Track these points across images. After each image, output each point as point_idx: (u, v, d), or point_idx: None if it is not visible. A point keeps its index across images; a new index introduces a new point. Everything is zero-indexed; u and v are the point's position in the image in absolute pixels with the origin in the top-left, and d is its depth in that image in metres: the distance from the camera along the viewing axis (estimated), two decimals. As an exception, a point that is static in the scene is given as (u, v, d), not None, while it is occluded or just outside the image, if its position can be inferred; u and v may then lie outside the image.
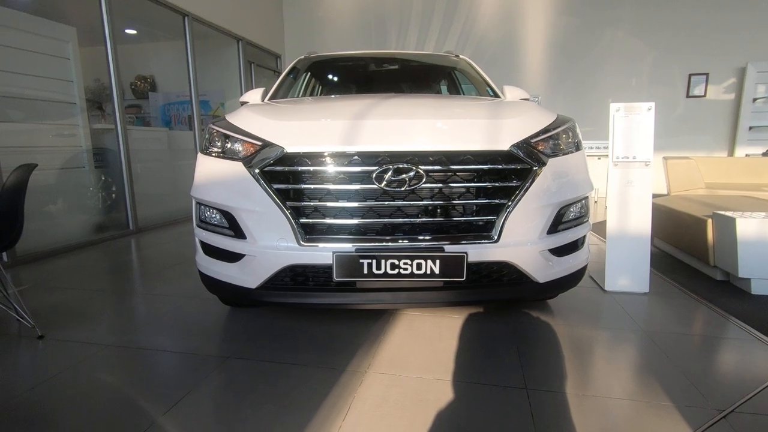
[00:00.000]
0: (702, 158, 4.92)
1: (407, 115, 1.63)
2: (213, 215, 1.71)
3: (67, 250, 3.72)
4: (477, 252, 1.52)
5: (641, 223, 2.56)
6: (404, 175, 1.48)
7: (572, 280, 1.75)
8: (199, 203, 1.77)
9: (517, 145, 1.56)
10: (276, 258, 1.55)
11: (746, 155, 6.57)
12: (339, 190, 1.52)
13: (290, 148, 1.52)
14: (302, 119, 1.66)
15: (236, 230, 1.62)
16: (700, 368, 1.72)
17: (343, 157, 1.51)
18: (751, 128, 6.49)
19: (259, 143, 1.59)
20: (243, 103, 2.92)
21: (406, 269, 1.50)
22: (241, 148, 1.66)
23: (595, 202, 6.44)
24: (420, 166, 1.49)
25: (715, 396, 1.53)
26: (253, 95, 2.89)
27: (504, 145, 1.55)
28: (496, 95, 2.82)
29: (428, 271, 1.51)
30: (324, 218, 1.54)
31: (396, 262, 1.50)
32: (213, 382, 1.64)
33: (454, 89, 3.74)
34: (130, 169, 4.49)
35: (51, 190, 3.87)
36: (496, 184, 1.54)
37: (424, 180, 1.49)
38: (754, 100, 6.43)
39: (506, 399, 1.49)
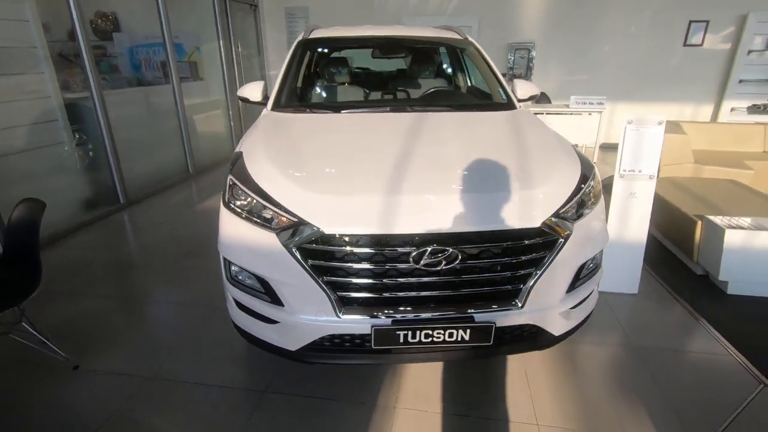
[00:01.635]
0: (691, 125, 4.99)
1: (443, 188, 1.62)
2: (248, 280, 1.73)
3: (59, 237, 3.63)
4: (503, 319, 1.64)
5: (639, 231, 2.70)
6: (440, 256, 1.53)
7: (584, 323, 1.91)
8: (229, 262, 1.78)
9: (548, 221, 1.60)
10: (315, 328, 1.62)
11: (731, 109, 6.67)
12: (377, 267, 1.56)
13: (328, 230, 1.53)
14: (336, 192, 1.61)
15: (273, 297, 1.67)
16: (687, 398, 1.98)
17: (381, 239, 1.53)
18: (741, 81, 6.50)
19: (295, 219, 1.57)
20: (242, 99, 2.76)
21: (438, 338, 1.62)
22: (271, 216, 1.64)
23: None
24: (455, 246, 1.53)
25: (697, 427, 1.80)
26: (253, 91, 2.73)
27: (536, 221, 1.59)
28: (504, 91, 2.74)
29: (459, 339, 1.63)
30: (361, 293, 1.60)
31: (429, 332, 1.61)
32: (260, 422, 1.80)
33: (460, 72, 3.58)
34: (110, 127, 4.15)
35: (26, 165, 3.62)
36: (524, 257, 1.61)
37: (459, 259, 1.54)
38: (749, 52, 6.35)
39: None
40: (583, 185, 1.76)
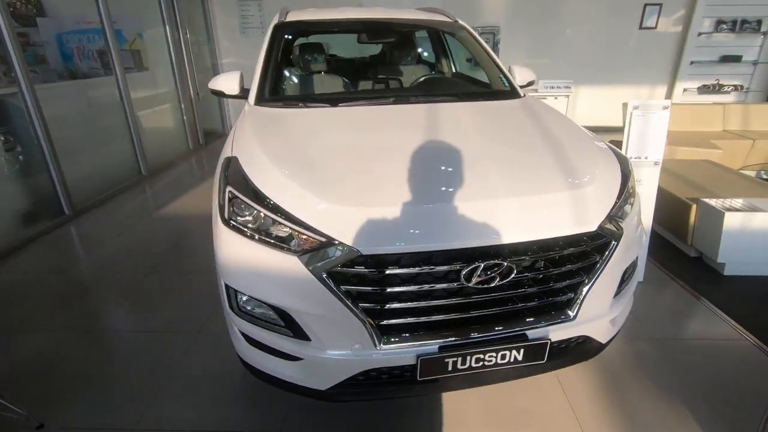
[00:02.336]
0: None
1: (489, 192, 1.41)
2: (261, 309, 1.45)
3: (-2, 257, 3.11)
4: (557, 333, 1.48)
5: (644, 218, 2.65)
6: (495, 271, 1.33)
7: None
8: (235, 291, 1.48)
9: (603, 223, 1.45)
10: (350, 363, 1.38)
11: (684, 90, 6.96)
12: (421, 288, 1.34)
13: (367, 250, 1.28)
14: (370, 203, 1.35)
15: (296, 331, 1.40)
16: (720, 389, 1.93)
17: (428, 256, 1.31)
18: (692, 63, 6.77)
19: (322, 238, 1.31)
20: (215, 92, 2.41)
21: (490, 361, 1.43)
22: (288, 234, 1.36)
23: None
24: (510, 259, 1.34)
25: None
26: (228, 83, 2.38)
27: (593, 224, 1.43)
28: (507, 78, 2.57)
29: (512, 360, 1.45)
30: (403, 318, 1.37)
31: (481, 356, 1.42)
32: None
33: (445, 57, 3.38)
34: (46, 128, 3.54)
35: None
36: (579, 264, 1.45)
37: (513, 273, 1.35)
38: (699, 34, 6.62)
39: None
40: (627, 184, 1.62)
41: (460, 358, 1.40)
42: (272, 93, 2.30)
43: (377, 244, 1.29)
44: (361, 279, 1.32)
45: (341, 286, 1.31)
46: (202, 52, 6.64)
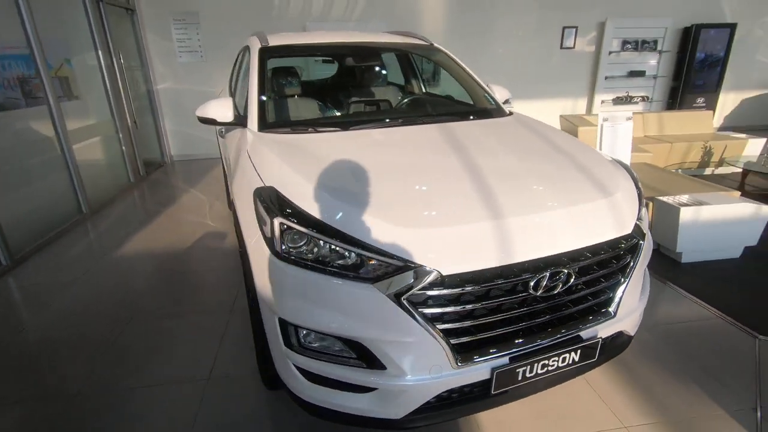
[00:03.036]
0: (592, 117, 5.67)
1: (539, 206, 1.48)
2: (325, 343, 1.39)
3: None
4: (604, 330, 1.58)
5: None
6: (556, 279, 1.40)
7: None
8: (295, 326, 1.40)
9: (635, 225, 1.59)
10: (428, 387, 1.36)
11: (602, 102, 7.79)
12: (496, 303, 1.37)
13: (448, 270, 1.28)
14: (440, 223, 1.35)
15: (370, 361, 1.36)
16: (716, 366, 2.16)
17: (503, 271, 1.34)
18: (606, 78, 7.63)
19: (398, 262, 1.29)
20: (204, 120, 2.29)
21: (552, 365, 1.49)
22: (357, 262, 1.33)
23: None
24: (569, 265, 1.42)
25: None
26: (220, 110, 2.27)
27: (628, 227, 1.57)
28: (491, 97, 2.73)
29: (570, 362, 1.53)
30: (478, 335, 1.38)
31: (546, 362, 1.47)
32: None
33: (415, 78, 3.48)
34: None
35: None
36: (619, 265, 1.57)
37: (573, 278, 1.44)
38: (610, 53, 7.49)
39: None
40: (638, 186, 1.80)
41: (528, 366, 1.44)
42: (278, 118, 2.23)
43: (456, 264, 1.30)
44: (440, 300, 1.32)
45: (419, 309, 1.30)
46: (136, 77, 6.20)
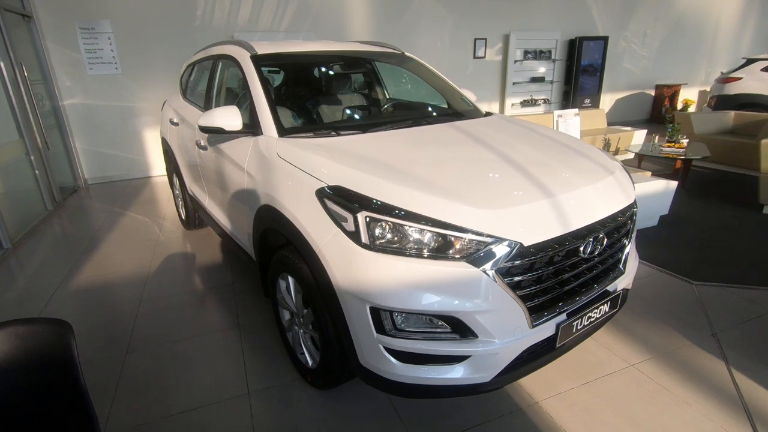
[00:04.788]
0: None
1: (570, 185, 1.75)
2: (420, 322, 1.50)
3: None
4: (620, 285, 1.91)
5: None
6: (597, 242, 1.69)
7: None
8: (390, 311, 1.50)
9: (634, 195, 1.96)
10: (512, 348, 1.54)
11: (512, 105, 8.72)
12: (558, 267, 1.61)
13: (528, 241, 1.49)
14: (506, 204, 1.55)
15: (463, 332, 1.50)
16: (674, 308, 2.68)
17: (563, 238, 1.59)
18: (514, 83, 8.56)
19: (487, 239, 1.47)
20: (209, 130, 2.27)
21: (593, 317, 1.78)
22: (442, 242, 1.48)
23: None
24: (604, 230, 1.72)
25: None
26: (228, 118, 2.24)
27: (631, 197, 1.93)
28: (467, 98, 3.03)
29: (604, 313, 1.83)
30: (545, 297, 1.61)
31: (591, 314, 1.75)
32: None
33: (378, 84, 3.66)
34: None
35: None
36: (627, 229, 1.93)
37: (605, 241, 1.74)
38: (515, 61, 8.43)
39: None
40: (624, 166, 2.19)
41: (580, 319, 1.71)
42: (294, 124, 2.26)
43: (532, 236, 1.52)
44: (520, 268, 1.53)
45: (505, 279, 1.50)
46: (38, 92, 5.47)
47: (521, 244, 1.49)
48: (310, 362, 2.02)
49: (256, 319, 2.68)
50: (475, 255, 1.47)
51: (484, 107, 2.97)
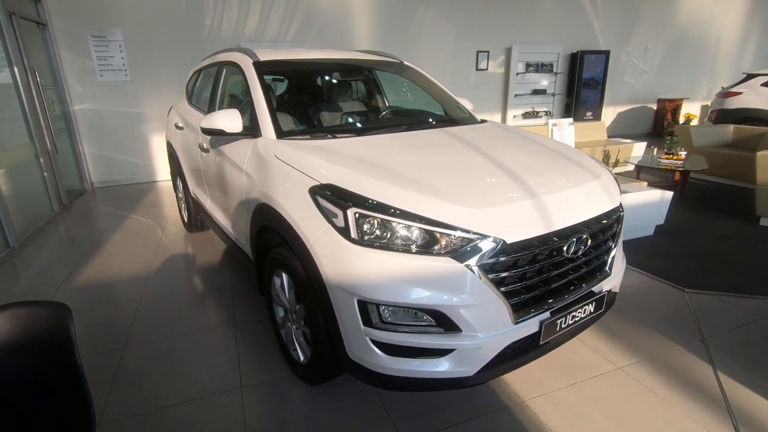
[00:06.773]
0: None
1: (555, 187, 1.80)
2: (406, 315, 1.55)
3: None
4: (605, 286, 1.96)
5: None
6: (580, 243, 1.74)
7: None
8: (377, 304, 1.55)
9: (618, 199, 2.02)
10: (495, 343, 1.59)
11: (514, 116, 8.81)
12: (542, 265, 1.66)
13: (511, 239, 1.54)
14: (492, 203, 1.62)
15: (447, 326, 1.55)
16: (665, 316, 2.70)
17: (546, 237, 1.64)
18: (516, 95, 8.67)
19: (472, 236, 1.52)
20: (211, 131, 2.35)
21: (577, 316, 1.82)
22: (428, 239, 1.54)
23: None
24: (587, 231, 1.78)
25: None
26: (229, 121, 2.32)
27: (616, 201, 1.98)
28: (462, 106, 3.11)
29: (588, 313, 1.87)
30: (529, 294, 1.66)
31: (575, 314, 1.80)
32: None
33: (378, 91, 3.75)
34: None
35: None
36: (613, 231, 1.97)
37: (590, 242, 1.79)
38: (517, 74, 8.55)
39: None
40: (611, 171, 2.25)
41: (564, 318, 1.76)
42: (293, 127, 2.34)
43: (516, 234, 1.58)
44: (504, 266, 1.58)
45: (488, 275, 1.55)
46: (49, 98, 5.62)
47: (504, 242, 1.55)
48: (301, 357, 2.07)
49: (252, 317, 2.73)
50: (460, 251, 1.53)
51: (486, 118, 3.04)
